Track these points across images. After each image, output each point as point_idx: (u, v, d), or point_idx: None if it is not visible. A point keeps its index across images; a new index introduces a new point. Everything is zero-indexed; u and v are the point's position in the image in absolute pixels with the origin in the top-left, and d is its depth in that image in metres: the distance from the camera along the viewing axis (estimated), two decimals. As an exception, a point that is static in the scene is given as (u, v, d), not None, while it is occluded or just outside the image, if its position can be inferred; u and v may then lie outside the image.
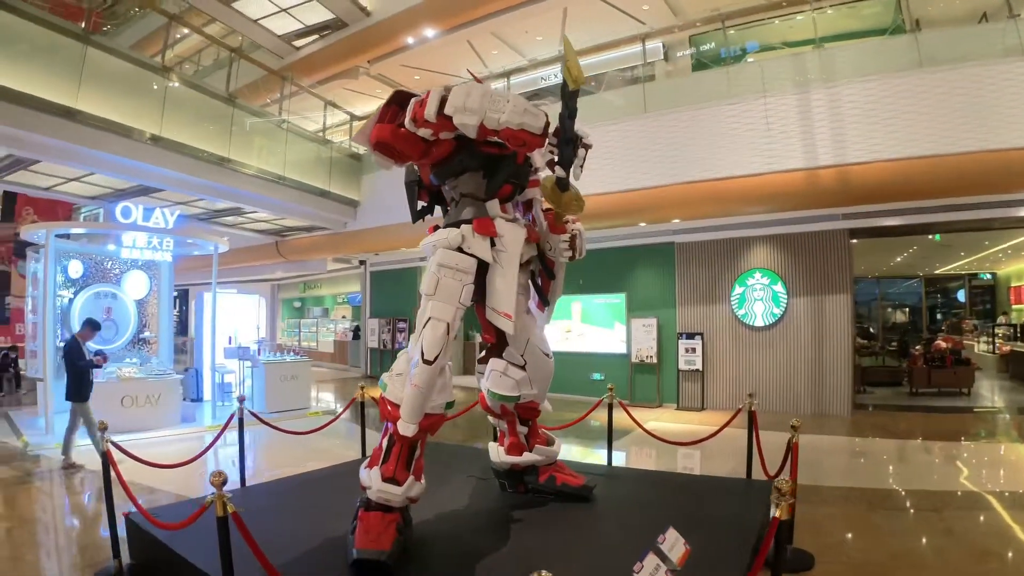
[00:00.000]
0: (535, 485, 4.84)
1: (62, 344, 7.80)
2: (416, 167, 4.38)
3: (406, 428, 3.75)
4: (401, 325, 17.34)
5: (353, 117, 16.22)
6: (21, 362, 13.69)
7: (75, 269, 10.62)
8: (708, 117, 9.66)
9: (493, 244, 4.08)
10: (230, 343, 13.39)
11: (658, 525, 2.93)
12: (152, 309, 11.82)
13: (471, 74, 4.55)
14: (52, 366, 9.55)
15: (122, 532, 4.35)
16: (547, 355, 4.66)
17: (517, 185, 4.38)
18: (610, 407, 6.33)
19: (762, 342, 11.11)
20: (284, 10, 14.35)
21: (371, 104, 16.93)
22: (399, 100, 3.93)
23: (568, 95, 3.77)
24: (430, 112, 3.67)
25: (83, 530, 5.31)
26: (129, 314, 11.29)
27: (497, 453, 4.93)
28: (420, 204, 4.55)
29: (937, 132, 7.77)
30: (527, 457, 4.79)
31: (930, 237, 11.86)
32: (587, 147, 4.29)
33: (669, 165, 9.91)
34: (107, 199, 11.32)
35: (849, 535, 4.81)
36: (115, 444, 4.52)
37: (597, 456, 6.36)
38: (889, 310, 17.10)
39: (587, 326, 13.44)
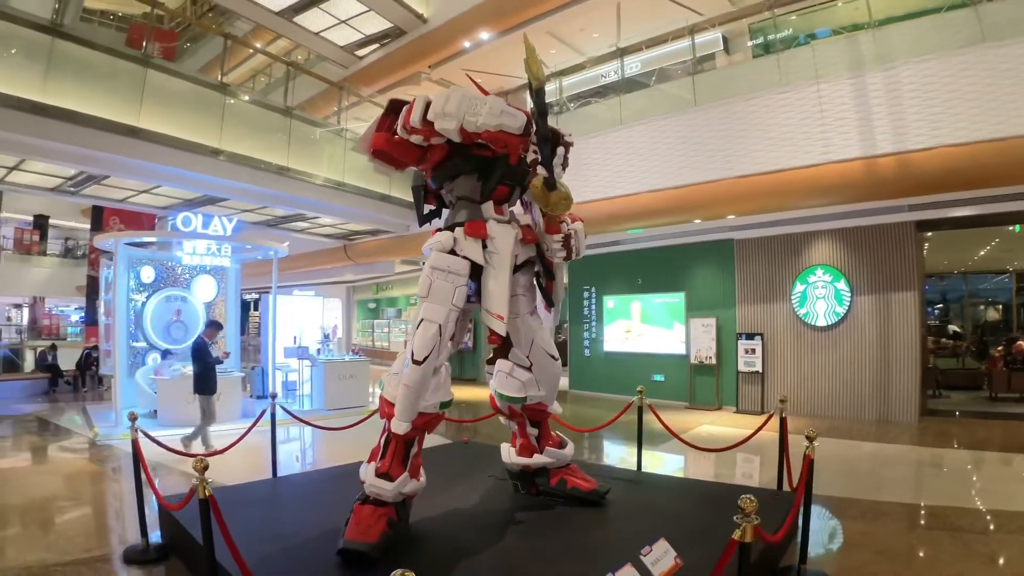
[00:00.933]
0: (545, 488, 4.80)
1: (191, 343, 8.36)
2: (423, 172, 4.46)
3: (399, 426, 3.85)
4: (469, 325, 17.46)
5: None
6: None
7: (147, 275, 11.32)
8: (760, 108, 9.20)
9: (486, 246, 4.11)
10: (294, 343, 13.90)
11: (659, 533, 2.77)
12: (220, 311, 12.43)
13: (471, 79, 4.59)
14: (124, 365, 10.25)
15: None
16: (552, 357, 4.56)
17: (513, 186, 4.36)
18: (640, 410, 6.13)
19: (824, 343, 10.48)
20: (343, 21, 14.82)
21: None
22: (395, 109, 4.06)
23: (534, 93, 3.80)
24: (415, 119, 3.86)
25: (126, 511, 5.63)
26: (198, 316, 11.89)
27: (508, 454, 4.94)
28: (428, 208, 4.64)
29: (1005, 112, 7.03)
30: (537, 459, 4.76)
31: (1010, 228, 10.84)
32: (567, 145, 4.19)
33: (721, 159, 9.51)
34: (177, 209, 12.00)
35: (880, 556, 4.37)
36: (144, 433, 4.85)
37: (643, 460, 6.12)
38: (981, 308, 15.77)
39: (647, 326, 13.13)
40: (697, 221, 11.50)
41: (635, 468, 6.22)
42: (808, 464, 3.78)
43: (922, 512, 5.57)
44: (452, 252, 4.03)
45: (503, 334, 4.17)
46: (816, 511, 5.12)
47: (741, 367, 11.16)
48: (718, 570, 2.51)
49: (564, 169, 4.13)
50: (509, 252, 4.12)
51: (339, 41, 15.88)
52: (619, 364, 13.54)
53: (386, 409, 3.99)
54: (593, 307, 14.20)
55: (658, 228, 12.13)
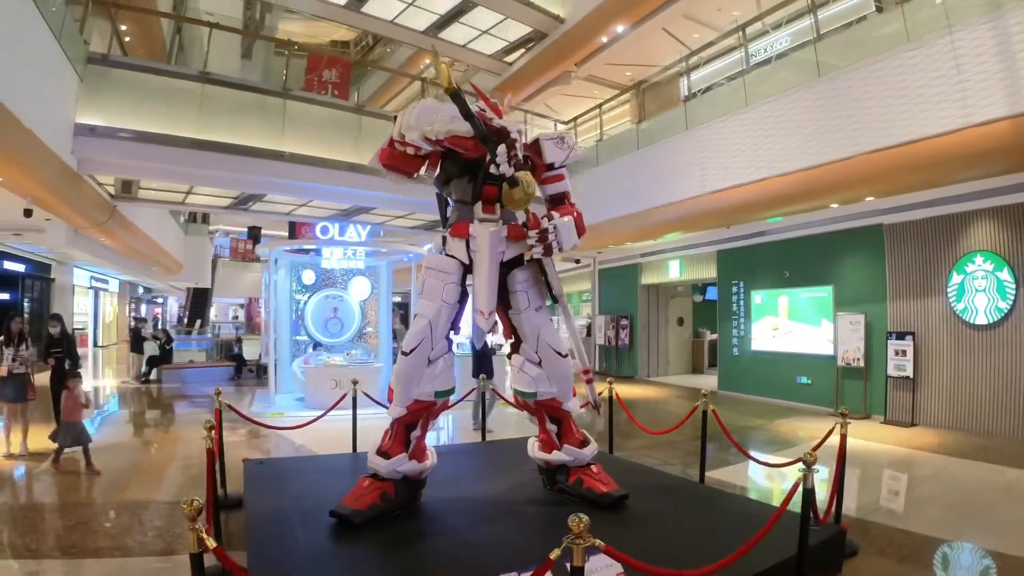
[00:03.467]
0: (563, 485, 4.78)
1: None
2: None
3: (394, 411, 4.31)
4: (624, 322, 17.28)
5: (557, 122, 16.69)
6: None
7: (308, 277, 12.89)
8: (888, 70, 8.02)
9: (470, 245, 4.35)
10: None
11: (651, 550, 2.75)
12: (373, 308, 13.70)
13: (475, 88, 4.77)
14: (286, 355, 11.82)
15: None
16: (559, 353, 4.53)
17: (502, 185, 4.39)
18: (704, 415, 5.73)
19: (984, 344, 8.77)
20: (485, 32, 15.49)
21: (588, 105, 17.38)
22: None
23: (453, 98, 3.97)
24: (395, 132, 4.30)
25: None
26: (353, 313, 13.22)
27: (532, 448, 4.99)
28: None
29: None
30: (555, 455, 4.74)
31: None
32: (511, 143, 4.17)
33: (850, 134, 8.45)
34: (334, 219, 13.40)
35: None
36: (230, 406, 5.97)
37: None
38: None
39: (794, 323, 12.05)
40: (834, 205, 10.36)
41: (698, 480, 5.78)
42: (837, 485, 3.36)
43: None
44: (444, 252, 4.37)
45: (484, 328, 4.40)
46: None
47: (890, 371, 9.73)
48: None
49: (513, 164, 4.14)
50: (487, 250, 4.26)
51: (486, 51, 16.61)
52: (766, 364, 12.57)
53: (390, 395, 4.37)
54: (741, 303, 13.33)
55: (801, 215, 11.13)
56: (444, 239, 4.45)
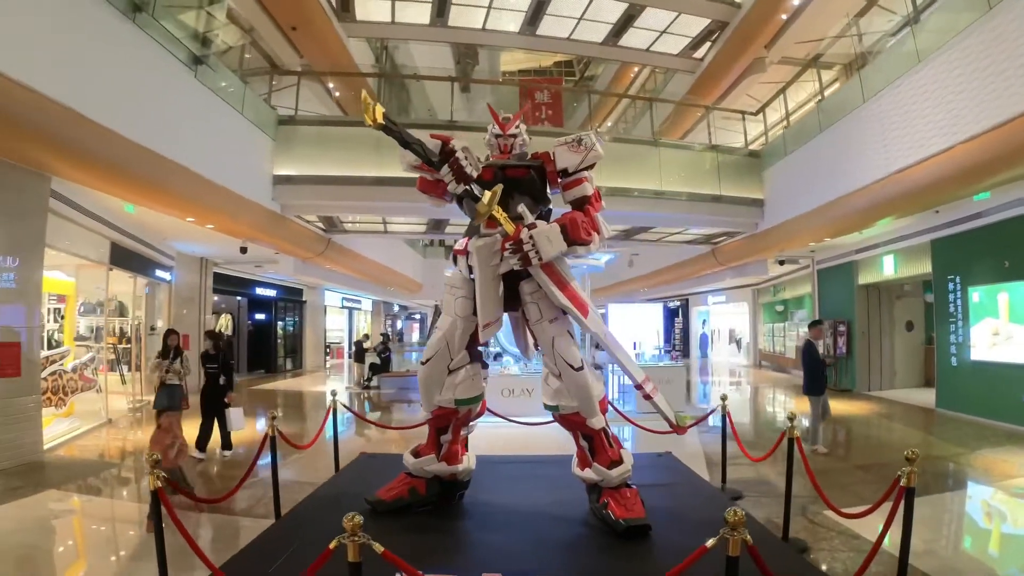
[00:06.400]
0: (592, 505, 4.60)
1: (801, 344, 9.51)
2: None
3: (422, 414, 4.83)
4: (841, 328, 15.33)
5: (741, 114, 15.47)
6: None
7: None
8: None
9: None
10: (635, 349, 14.70)
11: None
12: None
13: (490, 109, 4.93)
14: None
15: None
16: (571, 366, 4.31)
17: (503, 200, 4.45)
18: (791, 444, 5.03)
19: None
20: (663, 32, 15.11)
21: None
22: None
23: (382, 130, 4.15)
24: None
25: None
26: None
27: (573, 464, 4.90)
28: None
29: None
30: (586, 473, 4.56)
31: None
32: (454, 160, 4.21)
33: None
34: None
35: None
36: (343, 404, 6.96)
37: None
38: None
39: (1016, 326, 9.69)
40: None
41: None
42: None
43: None
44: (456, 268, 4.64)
45: (483, 340, 4.52)
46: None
47: None
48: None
49: (460, 181, 4.21)
50: (478, 264, 4.33)
51: (672, 50, 16.15)
52: (986, 377, 10.22)
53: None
54: (958, 302, 11.05)
55: (1016, 186, 8.92)
56: (455, 256, 4.63)
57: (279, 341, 23.21)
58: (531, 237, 4.14)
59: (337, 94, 16.51)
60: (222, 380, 8.41)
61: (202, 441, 8.31)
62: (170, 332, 8.06)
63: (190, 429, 7.79)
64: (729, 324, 28.22)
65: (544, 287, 4.31)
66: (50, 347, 9.67)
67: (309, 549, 3.49)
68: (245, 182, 9.80)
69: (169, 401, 7.36)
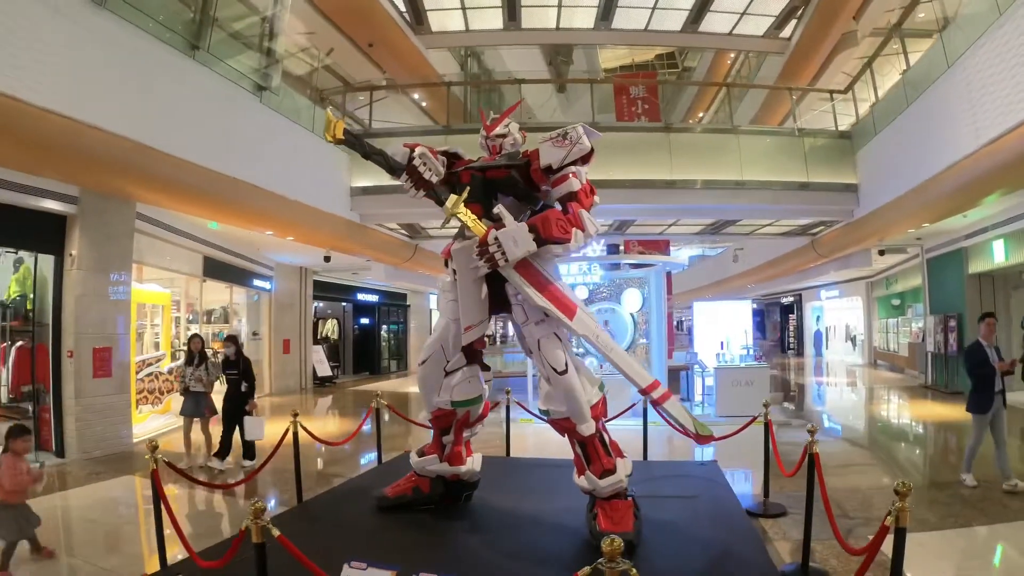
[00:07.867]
0: (587, 514, 4.39)
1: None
2: None
3: (423, 415, 5.06)
4: (952, 323, 13.97)
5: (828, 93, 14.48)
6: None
7: (581, 292, 13.37)
8: None
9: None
10: (721, 349, 14.15)
11: None
12: (642, 319, 13.75)
13: (480, 111, 5.01)
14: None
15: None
16: (555, 370, 4.21)
17: (485, 203, 4.47)
18: (812, 459, 4.55)
19: None
20: (743, 14, 14.46)
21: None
22: None
23: (345, 144, 4.38)
24: None
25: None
26: (625, 324, 13.45)
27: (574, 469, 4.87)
28: None
29: None
30: (580, 481, 4.41)
31: None
32: (412, 168, 4.30)
33: None
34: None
35: None
36: (388, 407, 7.09)
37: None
38: None
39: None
40: None
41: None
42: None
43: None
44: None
45: (464, 343, 4.51)
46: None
47: None
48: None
49: (419, 187, 4.39)
50: (459, 267, 4.37)
51: (756, 32, 15.39)
52: None
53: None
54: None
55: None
56: (447, 260, 4.61)
57: (383, 344, 24.28)
58: (496, 239, 4.01)
59: (424, 104, 17.09)
60: (244, 387, 7.80)
61: (222, 451, 7.77)
62: (193, 337, 7.96)
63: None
64: (844, 320, 26.38)
65: (519, 288, 4.18)
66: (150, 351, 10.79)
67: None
68: (321, 195, 10.51)
69: (194, 409, 7.47)
